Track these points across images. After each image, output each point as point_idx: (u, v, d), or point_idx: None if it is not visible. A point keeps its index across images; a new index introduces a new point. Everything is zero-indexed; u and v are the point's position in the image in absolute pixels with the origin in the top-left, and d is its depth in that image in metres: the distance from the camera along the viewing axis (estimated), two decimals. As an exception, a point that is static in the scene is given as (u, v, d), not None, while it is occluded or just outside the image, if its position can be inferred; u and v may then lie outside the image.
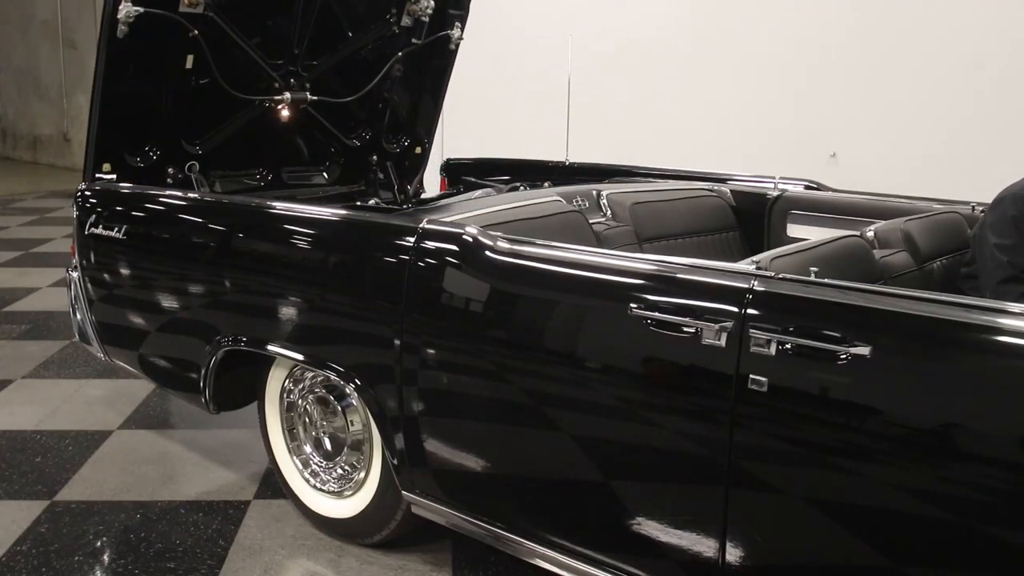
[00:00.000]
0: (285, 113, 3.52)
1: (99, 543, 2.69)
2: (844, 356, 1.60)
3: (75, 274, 3.17)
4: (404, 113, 4.01)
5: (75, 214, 3.10)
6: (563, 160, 3.92)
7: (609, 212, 3.00)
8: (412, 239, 2.25)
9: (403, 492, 2.38)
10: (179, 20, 3.01)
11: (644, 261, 1.98)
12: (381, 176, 3.98)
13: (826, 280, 1.75)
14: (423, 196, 4.08)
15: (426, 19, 3.72)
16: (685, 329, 1.78)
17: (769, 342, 1.67)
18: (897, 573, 1.61)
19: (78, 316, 3.24)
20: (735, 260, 2.09)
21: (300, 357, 2.52)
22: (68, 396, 3.88)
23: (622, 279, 1.94)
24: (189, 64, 3.15)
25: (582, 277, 2.00)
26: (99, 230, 3.00)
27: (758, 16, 5.96)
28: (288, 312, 2.53)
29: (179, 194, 2.95)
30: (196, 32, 3.08)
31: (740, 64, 6.05)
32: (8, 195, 10.05)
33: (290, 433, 2.80)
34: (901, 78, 5.39)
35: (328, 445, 2.72)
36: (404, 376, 2.25)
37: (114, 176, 3.13)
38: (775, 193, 3.26)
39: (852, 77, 5.57)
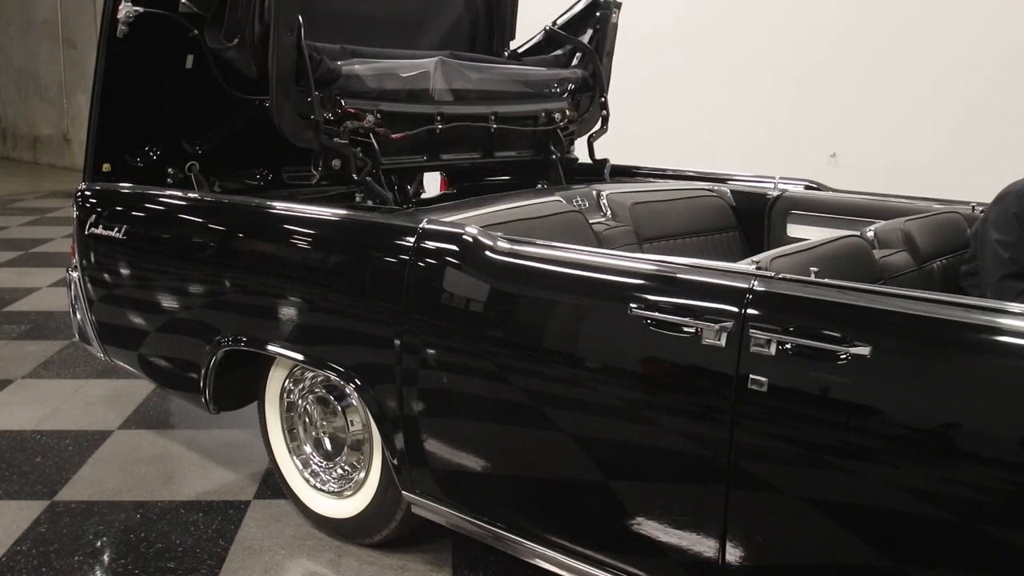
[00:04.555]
0: None
1: (99, 543, 2.69)
2: (844, 356, 1.60)
3: (75, 274, 3.17)
4: None
5: (75, 214, 3.11)
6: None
7: (609, 212, 3.00)
8: (412, 239, 2.25)
9: (403, 492, 2.38)
10: (179, 20, 3.01)
11: (644, 261, 1.98)
12: (382, 176, 3.97)
13: (826, 280, 1.74)
14: (423, 196, 4.08)
15: (427, 19, 3.71)
16: (685, 329, 1.78)
17: (769, 342, 1.67)
18: (897, 573, 1.61)
19: (78, 316, 3.24)
20: (735, 260, 2.09)
21: (300, 357, 2.52)
22: (68, 396, 3.88)
23: (622, 279, 1.94)
24: (189, 64, 3.15)
25: (582, 277, 2.00)
26: (99, 230, 3.00)
27: (758, 16, 5.95)
28: (288, 312, 2.53)
29: (179, 194, 2.95)
30: (196, 32, 3.07)
31: (740, 64, 6.04)
32: (8, 195, 10.04)
33: (290, 433, 2.80)
34: (901, 78, 5.39)
35: (328, 445, 2.72)
36: (404, 376, 2.25)
37: (114, 176, 3.13)
38: (775, 193, 3.26)
39: (852, 77, 5.57)
